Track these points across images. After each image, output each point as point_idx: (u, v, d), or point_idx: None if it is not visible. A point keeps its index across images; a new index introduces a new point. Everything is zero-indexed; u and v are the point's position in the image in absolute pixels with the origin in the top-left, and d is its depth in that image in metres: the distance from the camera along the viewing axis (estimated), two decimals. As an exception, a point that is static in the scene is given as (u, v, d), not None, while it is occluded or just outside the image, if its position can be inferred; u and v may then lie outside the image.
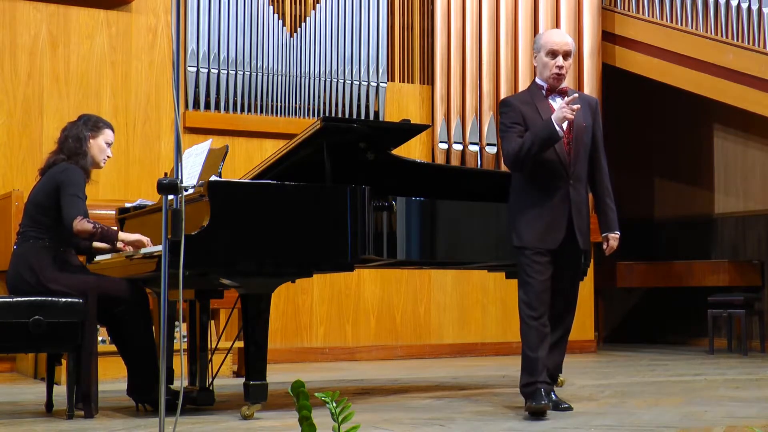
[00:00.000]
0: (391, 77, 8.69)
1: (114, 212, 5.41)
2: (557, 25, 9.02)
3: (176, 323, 5.25)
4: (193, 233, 4.26)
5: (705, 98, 8.95)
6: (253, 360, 4.40)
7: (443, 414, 4.55)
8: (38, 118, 7.39)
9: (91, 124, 4.79)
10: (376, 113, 8.48)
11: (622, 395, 5.27)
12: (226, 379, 6.25)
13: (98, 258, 5.02)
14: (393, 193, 4.74)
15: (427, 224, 4.86)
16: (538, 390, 4.34)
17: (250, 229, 4.41)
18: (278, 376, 5.82)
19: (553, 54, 4.53)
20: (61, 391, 4.76)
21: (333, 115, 8.23)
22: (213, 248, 4.30)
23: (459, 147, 8.74)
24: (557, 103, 4.51)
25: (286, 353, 7.92)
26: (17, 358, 6.95)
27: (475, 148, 8.76)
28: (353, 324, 8.27)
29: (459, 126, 8.76)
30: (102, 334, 5.70)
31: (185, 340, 5.15)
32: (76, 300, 4.46)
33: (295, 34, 8.28)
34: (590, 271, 8.49)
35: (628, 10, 9.19)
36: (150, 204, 5.13)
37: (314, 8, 8.37)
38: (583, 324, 8.73)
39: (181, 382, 3.62)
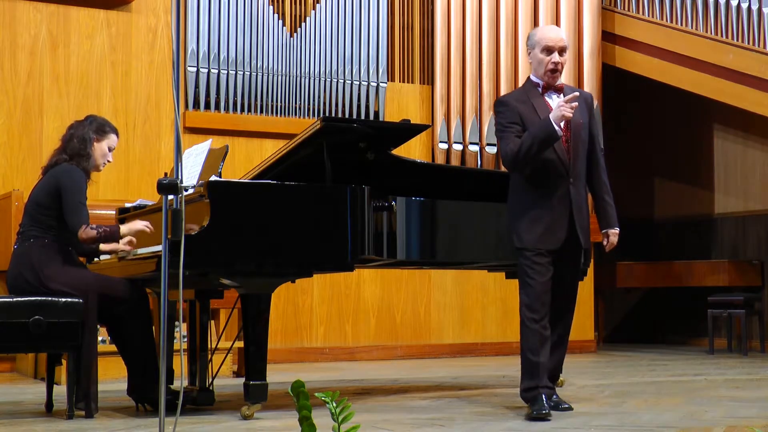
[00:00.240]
0: (391, 77, 8.69)
1: (114, 212, 5.41)
2: (557, 25, 9.02)
3: (176, 323, 5.25)
4: (193, 233, 4.26)
5: (705, 98, 8.95)
6: (253, 360, 4.40)
7: (443, 414, 4.55)
8: (38, 118, 7.39)
9: (98, 127, 4.80)
10: (376, 113, 8.48)
11: (622, 395, 5.27)
12: (226, 379, 6.26)
13: (98, 257, 5.02)
14: (393, 193, 4.74)
15: (427, 224, 4.86)
16: (539, 395, 4.32)
17: (250, 229, 4.41)
18: (278, 376, 5.82)
19: (548, 50, 4.50)
20: (61, 391, 4.76)
21: (333, 115, 8.23)
22: (213, 248, 4.30)
23: (459, 147, 8.75)
24: (554, 101, 4.49)
25: (286, 353, 7.92)
26: (17, 358, 6.95)
27: (475, 148, 8.76)
28: (353, 324, 8.27)
29: (459, 126, 8.76)
30: (102, 334, 5.70)
31: (185, 340, 5.15)
32: (76, 300, 4.46)
33: (295, 34, 8.28)
34: (590, 271, 8.49)
35: (628, 10, 9.19)
36: (150, 204, 5.13)
37: (314, 8, 8.37)
38: (583, 324, 8.73)
39: (181, 382, 3.62)
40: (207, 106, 7.93)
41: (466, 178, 5.55)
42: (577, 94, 4.40)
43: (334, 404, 2.39)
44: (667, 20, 8.93)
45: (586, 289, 8.75)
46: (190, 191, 4.42)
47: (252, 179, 4.76)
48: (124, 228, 4.66)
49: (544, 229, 4.40)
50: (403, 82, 8.79)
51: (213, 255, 4.31)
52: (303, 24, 8.33)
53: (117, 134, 4.89)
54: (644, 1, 9.06)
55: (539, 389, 4.35)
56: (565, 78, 4.65)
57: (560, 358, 4.69)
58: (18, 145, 7.31)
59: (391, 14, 8.73)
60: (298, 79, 8.24)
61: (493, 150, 8.71)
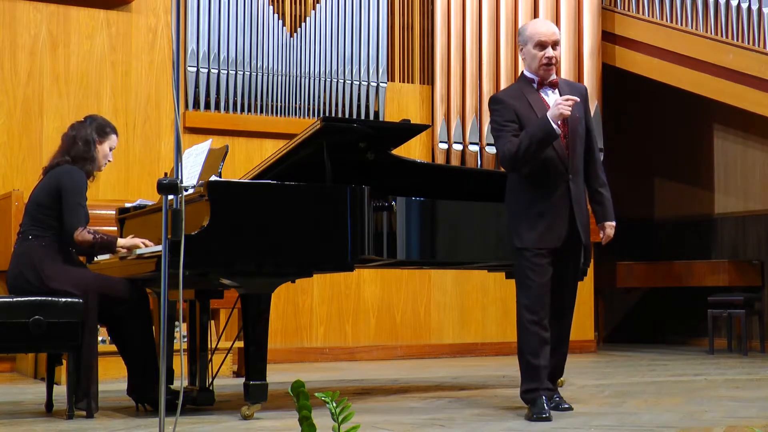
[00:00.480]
0: (391, 77, 8.69)
1: (114, 212, 5.41)
2: (557, 25, 9.02)
3: (176, 323, 5.25)
4: (193, 233, 4.26)
5: (705, 98, 8.95)
6: (253, 360, 4.40)
7: (443, 414, 4.55)
8: (38, 118, 7.39)
9: (100, 128, 4.79)
10: (376, 113, 8.48)
11: (622, 395, 5.27)
12: (226, 379, 6.26)
13: (98, 258, 5.02)
14: (393, 193, 4.74)
15: (427, 224, 4.86)
16: (539, 397, 4.30)
17: (250, 229, 4.41)
18: (278, 376, 5.82)
19: (541, 46, 4.42)
20: (61, 391, 4.76)
21: (333, 115, 8.23)
22: (213, 248, 4.30)
23: (459, 147, 8.75)
24: (550, 96, 4.44)
25: (286, 353, 7.92)
26: (17, 358, 6.95)
27: (475, 148, 8.76)
28: (353, 324, 8.27)
29: (459, 126, 8.76)
30: (102, 334, 5.70)
31: (185, 340, 5.15)
32: (76, 300, 4.46)
33: (295, 34, 8.28)
34: (590, 271, 8.49)
35: (628, 10, 9.19)
36: (150, 204, 5.13)
37: (314, 8, 8.37)
38: (583, 324, 8.73)
39: (181, 382, 3.62)
40: (207, 106, 7.93)
41: (466, 178, 5.54)
42: (577, 100, 4.33)
43: (334, 404, 2.39)
44: (667, 20, 8.93)
45: (586, 289, 8.75)
46: (190, 191, 4.41)
47: (252, 179, 4.76)
48: (121, 240, 4.65)
49: (545, 227, 4.35)
50: (403, 82, 8.79)
51: (213, 255, 4.31)
52: (303, 24, 8.33)
53: (117, 134, 4.90)
54: (644, 1, 9.06)
55: (540, 391, 4.33)
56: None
57: (561, 359, 4.65)
58: (18, 145, 7.31)
59: (391, 14, 8.73)
60: (298, 79, 8.24)
61: (493, 150, 8.70)
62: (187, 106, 7.83)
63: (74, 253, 4.73)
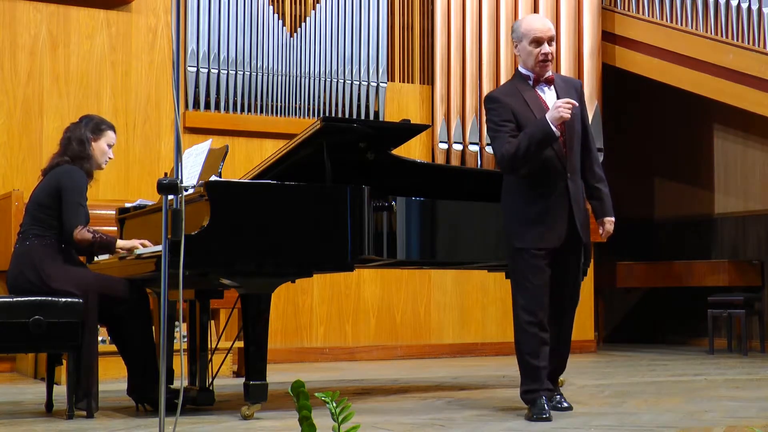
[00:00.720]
0: (391, 77, 8.69)
1: (114, 212, 5.42)
2: (557, 25, 9.02)
3: (176, 323, 5.25)
4: (193, 233, 4.26)
5: (705, 98, 8.95)
6: (253, 360, 4.40)
7: (443, 414, 4.55)
8: (38, 118, 7.39)
9: (94, 126, 4.80)
10: (376, 113, 8.48)
11: (622, 395, 5.27)
12: (226, 379, 6.26)
13: (98, 258, 5.02)
14: (393, 193, 4.74)
15: (427, 224, 4.86)
16: (539, 398, 4.29)
17: (250, 229, 4.41)
18: (278, 376, 5.82)
19: (537, 42, 4.36)
20: (61, 391, 4.76)
21: (333, 115, 8.23)
22: (213, 248, 4.30)
23: (459, 147, 8.75)
24: (546, 93, 4.40)
25: (286, 353, 7.92)
26: (17, 358, 6.95)
27: (475, 148, 8.76)
28: (353, 324, 8.27)
29: (459, 126, 8.76)
30: (102, 334, 5.70)
31: (185, 340, 5.15)
32: (76, 300, 4.46)
33: (295, 34, 8.28)
34: (590, 271, 8.49)
35: (628, 10, 9.19)
36: (150, 204, 5.13)
37: (314, 8, 8.37)
38: (583, 324, 8.73)
39: (181, 382, 3.62)
40: (207, 106, 7.93)
41: (466, 178, 5.54)
42: (576, 104, 4.28)
43: (334, 404, 2.39)
44: (667, 20, 8.93)
45: (586, 289, 8.73)
46: (190, 191, 4.42)
47: (252, 179, 4.76)
48: (120, 242, 4.65)
49: (544, 228, 4.31)
50: (403, 82, 8.79)
51: (213, 255, 4.31)
52: (303, 24, 8.33)
53: (114, 130, 4.88)
54: (644, 1, 9.06)
55: (540, 392, 4.32)
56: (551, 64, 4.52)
57: (562, 359, 4.61)
58: (18, 145, 7.31)
59: (391, 14, 8.73)
60: (298, 79, 8.24)
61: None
62: (187, 106, 7.83)
63: (74, 253, 4.73)
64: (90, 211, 4.70)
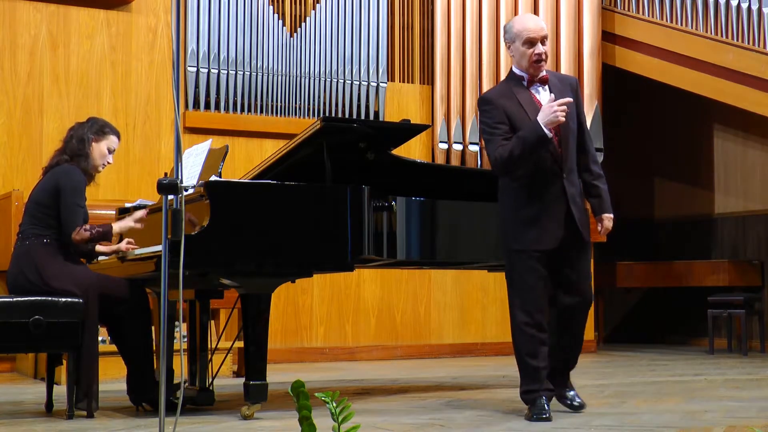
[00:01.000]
0: (391, 77, 8.69)
1: (114, 212, 5.41)
2: (557, 25, 9.02)
3: (176, 323, 5.25)
4: (193, 233, 4.26)
5: (705, 98, 8.95)
6: (253, 360, 4.40)
7: (443, 414, 4.55)
8: (38, 118, 7.39)
9: (97, 127, 4.81)
10: (376, 113, 8.48)
11: (622, 395, 5.27)
12: (226, 379, 6.26)
13: (98, 258, 5.02)
14: (393, 193, 4.74)
15: (427, 224, 4.85)
16: (539, 398, 4.28)
17: (250, 229, 4.41)
18: (278, 376, 5.82)
19: (530, 43, 4.30)
20: (61, 391, 4.76)
21: (333, 115, 8.23)
22: (213, 248, 4.30)
23: (459, 147, 8.75)
24: (540, 94, 4.36)
25: (286, 353, 7.92)
26: (17, 358, 6.95)
27: (475, 148, 8.76)
28: (353, 324, 8.27)
29: (459, 126, 8.76)
30: (102, 334, 5.70)
31: (185, 340, 5.15)
32: (76, 300, 4.46)
33: (295, 34, 8.28)
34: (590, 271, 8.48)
35: (628, 10, 9.19)
36: (150, 204, 5.12)
37: (314, 8, 8.38)
38: (583, 324, 8.71)
39: (181, 382, 3.62)
40: (207, 106, 7.93)
41: (466, 178, 5.54)
42: (570, 100, 4.24)
43: (334, 404, 2.39)
44: (667, 20, 8.93)
45: (586, 289, 8.74)
46: (190, 191, 4.42)
47: (252, 179, 4.76)
48: (116, 226, 4.66)
49: (540, 229, 4.27)
50: (403, 82, 8.79)
51: (213, 255, 4.31)
52: (303, 24, 8.33)
53: (118, 136, 4.89)
54: (644, 1, 9.06)
55: (540, 392, 4.31)
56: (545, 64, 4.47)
57: (574, 353, 4.52)
58: (18, 145, 7.32)
59: (391, 14, 8.73)
60: (298, 79, 8.24)
61: (493, 150, 8.70)
62: (187, 106, 7.83)
63: (74, 253, 4.73)
64: (90, 211, 4.70)
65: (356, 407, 3.08)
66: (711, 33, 8.58)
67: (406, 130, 5.13)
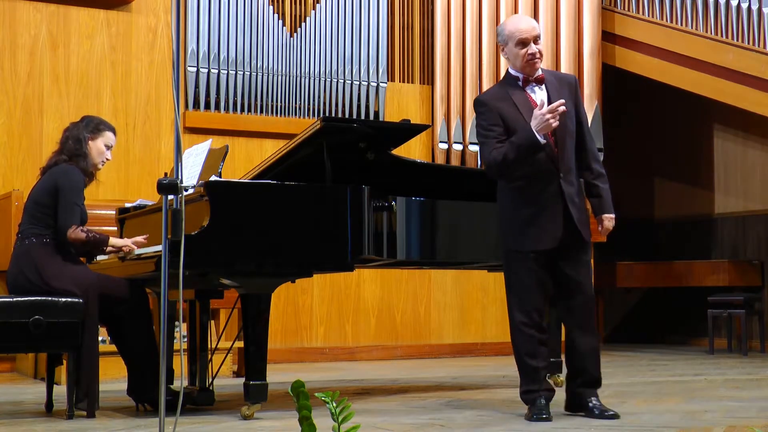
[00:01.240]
0: (391, 77, 8.69)
1: (114, 212, 5.42)
2: (557, 25, 9.02)
3: (176, 323, 5.25)
4: (193, 233, 4.26)
5: (705, 98, 8.95)
6: (253, 360, 4.40)
7: (443, 414, 4.55)
8: (38, 118, 7.39)
9: (92, 126, 4.80)
10: (376, 113, 8.48)
11: (622, 395, 5.27)
12: (226, 379, 6.26)
13: (98, 258, 5.02)
14: (393, 193, 4.74)
15: (427, 224, 4.86)
16: (538, 398, 4.28)
17: (250, 229, 4.41)
18: (278, 376, 5.82)
19: (523, 43, 4.28)
20: (61, 391, 4.76)
21: (333, 115, 8.23)
22: (213, 248, 4.30)
23: (459, 147, 8.75)
24: (536, 93, 4.33)
25: (286, 353, 7.92)
26: (17, 358, 6.95)
27: (475, 148, 8.75)
28: (353, 324, 8.27)
29: (459, 126, 8.76)
30: (102, 334, 5.70)
31: (185, 340, 5.15)
32: (76, 300, 4.46)
33: (295, 34, 8.28)
34: (590, 271, 8.48)
35: (628, 10, 9.19)
36: (150, 204, 5.13)
37: (314, 8, 8.38)
38: (583, 324, 8.71)
39: (181, 382, 3.62)
40: (207, 106, 7.93)
41: (466, 178, 5.54)
42: (563, 101, 4.19)
43: (334, 404, 2.39)
44: (667, 20, 8.93)
45: (586, 289, 8.74)
46: (190, 191, 4.42)
47: (252, 179, 4.76)
48: (113, 240, 4.64)
49: (538, 229, 4.26)
50: (403, 82, 8.79)
51: (213, 255, 4.31)
52: (303, 24, 8.33)
53: (113, 131, 4.88)
54: (644, 1, 9.06)
55: (539, 392, 4.31)
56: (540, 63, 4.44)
57: (592, 359, 4.38)
58: (18, 145, 7.31)
59: (391, 14, 8.73)
60: (298, 79, 8.24)
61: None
62: (187, 106, 7.83)
63: (74, 253, 4.73)
64: (90, 211, 4.69)
65: (356, 407, 3.08)
66: (711, 33, 8.58)
67: (406, 130, 5.13)
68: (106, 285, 4.58)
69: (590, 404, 4.33)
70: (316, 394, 2.41)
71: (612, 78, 9.55)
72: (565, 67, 8.95)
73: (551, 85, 4.38)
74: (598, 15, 9.15)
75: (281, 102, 8.17)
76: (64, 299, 4.45)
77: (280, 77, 8.16)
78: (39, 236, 4.61)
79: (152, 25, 7.84)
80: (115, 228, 5.33)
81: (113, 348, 4.87)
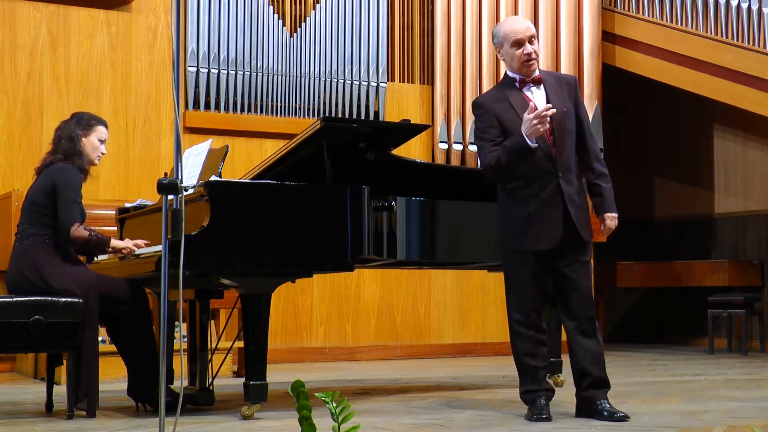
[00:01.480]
0: (391, 77, 8.69)
1: (114, 212, 5.41)
2: (557, 25, 9.02)
3: (176, 323, 5.25)
4: (193, 233, 4.26)
5: (705, 98, 8.95)
6: (253, 360, 4.40)
7: (443, 414, 4.55)
8: (38, 118, 7.39)
9: (84, 122, 4.79)
10: (376, 113, 8.48)
11: (622, 395, 5.27)
12: (226, 379, 6.26)
13: (98, 258, 5.02)
14: (393, 193, 4.74)
15: (427, 224, 4.86)
16: (538, 398, 4.27)
17: (249, 229, 4.41)
18: (278, 376, 5.82)
19: (518, 44, 4.28)
20: (61, 391, 4.76)
21: (333, 115, 8.23)
22: (213, 248, 4.30)
23: (459, 147, 8.75)
24: (534, 94, 4.32)
25: (286, 353, 7.92)
26: (17, 358, 6.95)
27: (475, 148, 8.75)
28: (353, 324, 8.27)
29: (459, 126, 8.76)
30: (102, 334, 5.70)
31: (185, 340, 5.15)
32: (76, 300, 4.46)
33: (295, 34, 8.28)
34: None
35: (628, 10, 9.19)
36: (150, 204, 5.13)
37: (314, 8, 8.38)
38: (583, 324, 8.72)
39: (181, 382, 3.62)
40: (207, 106, 7.93)
41: (466, 178, 5.54)
42: (549, 106, 4.17)
43: (334, 404, 2.39)
44: (667, 20, 8.93)
45: (586, 289, 8.74)
46: (190, 191, 4.42)
47: (252, 179, 4.76)
48: (114, 242, 4.64)
49: (537, 229, 4.24)
50: (403, 82, 8.79)
51: (213, 255, 4.31)
52: (303, 24, 8.33)
53: (105, 125, 4.86)
54: (644, 1, 9.06)
55: (539, 392, 4.31)
56: (538, 63, 4.43)
57: (596, 361, 4.41)
58: (18, 145, 7.31)
59: (391, 14, 8.73)
60: (298, 79, 8.24)
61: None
62: (187, 106, 7.83)
63: (73, 252, 4.73)
64: (90, 211, 4.69)
65: (356, 407, 3.08)
66: (711, 33, 8.58)
67: (406, 130, 5.13)
68: (106, 285, 4.58)
69: (599, 406, 4.30)
70: (316, 394, 2.41)
71: (612, 78, 9.55)
72: (565, 67, 8.95)
73: (549, 86, 4.37)
74: (598, 15, 9.15)
75: (281, 102, 8.17)
76: (64, 299, 4.45)
77: (280, 77, 8.16)
78: (38, 236, 4.60)
79: (152, 25, 7.84)
80: (115, 228, 5.33)
81: (113, 348, 4.87)
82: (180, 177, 3.39)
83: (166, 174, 3.66)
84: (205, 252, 4.28)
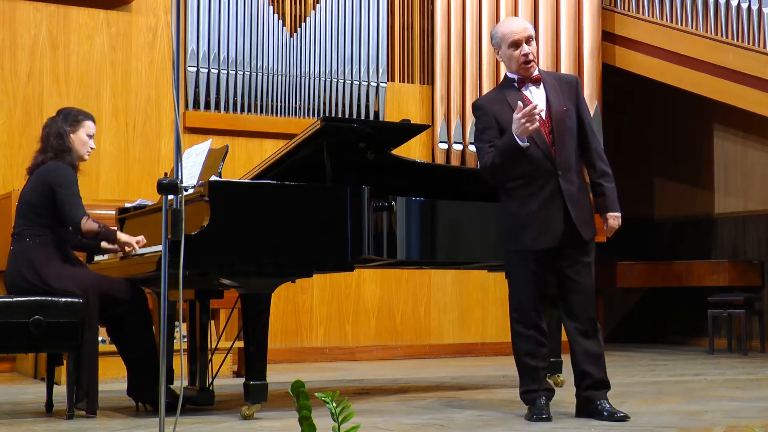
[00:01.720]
0: (391, 77, 8.69)
1: (114, 212, 5.41)
2: (557, 25, 9.02)
3: (176, 323, 5.25)
4: (193, 233, 4.26)
5: (705, 98, 8.95)
6: (253, 360, 4.40)
7: (443, 414, 4.55)
8: (38, 118, 7.38)
9: (71, 118, 4.75)
10: (376, 113, 8.48)
11: (622, 395, 5.27)
12: (226, 379, 6.26)
13: (98, 258, 5.03)
14: (393, 193, 4.74)
15: (427, 224, 4.85)
16: (538, 398, 4.27)
17: (249, 229, 4.41)
18: (278, 376, 5.82)
19: (515, 45, 4.29)
20: (61, 391, 4.76)
21: (333, 115, 8.23)
22: (213, 248, 4.30)
23: (459, 147, 8.75)
24: (533, 94, 4.31)
25: (286, 353, 7.92)
26: (17, 358, 6.95)
27: (475, 148, 8.75)
28: (353, 324, 8.27)
29: (459, 126, 8.76)
30: (102, 334, 5.70)
31: (185, 340, 5.15)
32: (76, 300, 4.46)
33: (295, 34, 8.29)
34: (590, 271, 8.48)
35: (628, 10, 9.19)
36: (150, 204, 5.13)
37: (314, 8, 8.38)
38: (583, 324, 8.72)
39: (181, 382, 3.62)
40: (207, 106, 7.93)
41: (466, 178, 5.54)
42: (536, 104, 4.16)
43: (334, 404, 2.39)
44: (667, 20, 8.93)
45: (586, 289, 8.74)
46: (190, 191, 4.42)
47: (252, 179, 4.76)
48: (119, 234, 4.65)
49: (537, 228, 4.24)
50: (403, 82, 8.79)
51: (213, 255, 4.31)
52: (303, 24, 8.33)
53: (92, 120, 4.83)
54: (644, 1, 9.06)
55: (539, 392, 4.31)
56: (536, 63, 4.43)
57: (596, 362, 4.41)
58: (18, 145, 7.31)
59: (391, 14, 8.73)
60: (298, 79, 8.24)
61: (493, 150, 8.70)
62: (187, 106, 7.83)
63: (72, 252, 4.73)
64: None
65: (356, 407, 3.08)
66: (711, 33, 8.58)
67: (406, 130, 5.13)
68: (106, 285, 4.58)
69: (599, 406, 4.30)
70: (316, 394, 2.41)
71: (612, 78, 9.55)
72: (565, 67, 8.95)
73: (549, 85, 4.37)
74: (598, 15, 9.15)
75: (281, 102, 8.18)
76: (64, 299, 4.45)
77: (280, 77, 8.16)
78: (36, 236, 4.60)
79: (152, 25, 7.84)
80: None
81: (113, 348, 4.87)
82: (180, 177, 3.38)
83: (166, 174, 3.66)
84: (205, 252, 4.28)
